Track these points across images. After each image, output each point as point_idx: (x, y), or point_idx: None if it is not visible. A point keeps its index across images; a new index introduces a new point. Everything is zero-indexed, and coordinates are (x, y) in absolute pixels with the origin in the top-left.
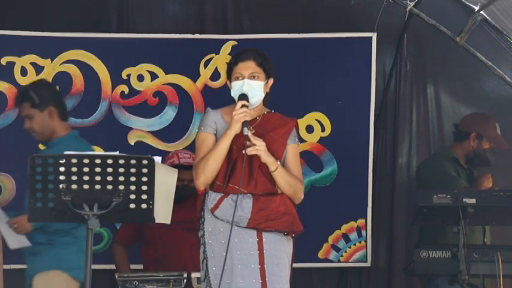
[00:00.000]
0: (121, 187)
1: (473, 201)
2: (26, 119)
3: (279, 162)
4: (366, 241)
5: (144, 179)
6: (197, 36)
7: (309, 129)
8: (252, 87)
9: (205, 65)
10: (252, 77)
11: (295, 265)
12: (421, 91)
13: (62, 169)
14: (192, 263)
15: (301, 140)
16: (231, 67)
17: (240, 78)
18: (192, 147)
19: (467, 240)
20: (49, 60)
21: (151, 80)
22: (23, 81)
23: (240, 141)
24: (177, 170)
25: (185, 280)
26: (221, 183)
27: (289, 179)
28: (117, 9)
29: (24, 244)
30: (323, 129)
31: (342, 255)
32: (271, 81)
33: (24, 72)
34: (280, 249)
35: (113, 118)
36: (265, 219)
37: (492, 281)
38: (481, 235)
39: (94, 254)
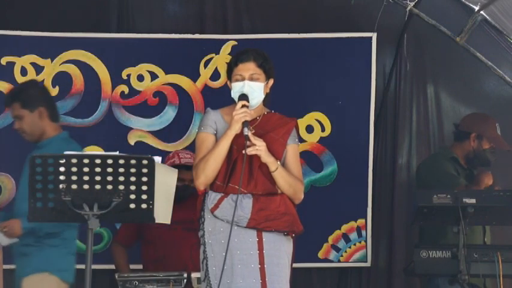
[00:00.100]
0: (121, 187)
1: (473, 201)
2: (16, 120)
3: (279, 162)
4: (366, 241)
5: (144, 179)
6: (197, 36)
7: (309, 129)
8: (252, 88)
9: (205, 65)
10: (252, 78)
11: (295, 265)
12: (421, 91)
13: (62, 169)
14: (192, 263)
15: (301, 140)
16: (231, 68)
17: (240, 79)
18: (192, 147)
19: (468, 240)
20: (49, 60)
21: (151, 80)
22: (23, 81)
23: (240, 141)
24: (177, 170)
25: (185, 280)
26: (221, 183)
27: (289, 179)
28: (117, 9)
29: (14, 240)
30: (323, 129)
31: (342, 255)
32: (271, 81)
33: (24, 72)
34: (280, 249)
35: (113, 118)
36: (265, 219)
37: (492, 281)
38: (481, 235)
39: (94, 254)
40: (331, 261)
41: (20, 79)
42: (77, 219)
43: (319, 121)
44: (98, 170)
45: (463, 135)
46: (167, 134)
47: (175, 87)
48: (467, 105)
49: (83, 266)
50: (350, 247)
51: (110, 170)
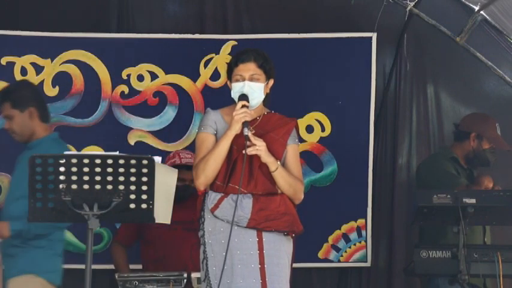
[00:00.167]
0: (121, 187)
1: (473, 201)
2: (6, 120)
3: (279, 162)
4: (366, 241)
5: (144, 179)
6: (197, 36)
7: (309, 129)
8: (253, 88)
9: (205, 65)
10: (253, 78)
11: (295, 265)
12: (421, 91)
13: (62, 169)
14: (192, 263)
15: (301, 140)
16: (231, 68)
17: (241, 79)
18: (192, 147)
19: (468, 240)
20: (49, 60)
21: (151, 80)
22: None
23: (240, 141)
24: (177, 170)
25: (185, 280)
26: (221, 183)
27: (289, 179)
28: (117, 9)
29: None
30: (323, 129)
31: (342, 255)
32: (271, 82)
33: (24, 72)
34: (280, 249)
35: (113, 118)
36: (265, 219)
37: (492, 281)
38: (481, 235)
39: (94, 254)
40: (331, 261)
41: (20, 79)
42: (77, 219)
43: (319, 121)
44: (98, 170)
45: (463, 135)
46: (167, 134)
47: (175, 87)
48: (467, 105)
49: (83, 266)
50: (350, 247)
51: (110, 170)
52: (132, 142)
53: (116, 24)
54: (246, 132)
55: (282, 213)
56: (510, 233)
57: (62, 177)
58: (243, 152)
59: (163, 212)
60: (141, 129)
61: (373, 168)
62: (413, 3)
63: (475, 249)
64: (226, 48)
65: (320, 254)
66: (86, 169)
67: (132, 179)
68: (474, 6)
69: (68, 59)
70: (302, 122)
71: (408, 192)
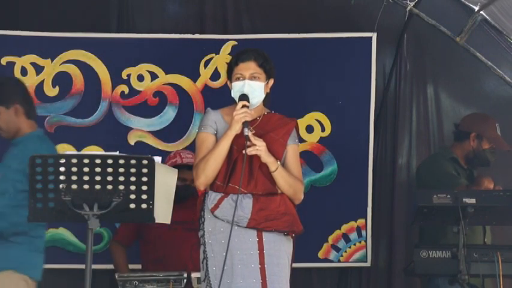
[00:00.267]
0: (121, 187)
1: (473, 201)
2: None
3: (279, 163)
4: (366, 241)
5: (144, 179)
6: (197, 36)
7: (309, 129)
8: (253, 88)
9: (205, 65)
10: (253, 77)
11: (295, 265)
12: (421, 91)
13: (62, 169)
14: (192, 263)
15: (301, 140)
16: (231, 67)
17: (241, 78)
18: (192, 147)
19: (468, 240)
20: (49, 60)
21: (152, 80)
22: (23, 81)
23: (240, 141)
24: (177, 170)
25: (185, 280)
26: (221, 183)
27: (289, 179)
28: (117, 9)
29: None
30: (323, 129)
31: (342, 255)
32: (271, 81)
33: (24, 72)
34: (280, 249)
35: (113, 118)
36: (265, 219)
37: (492, 281)
38: (481, 235)
39: (94, 254)
40: (331, 261)
41: (20, 79)
42: (77, 219)
43: (319, 121)
44: (98, 170)
45: (463, 135)
46: (167, 134)
47: (175, 87)
48: (467, 105)
49: (83, 266)
50: (350, 247)
51: (110, 170)
52: (132, 142)
53: (116, 24)
54: (246, 132)
55: (282, 213)
56: (510, 233)
57: (62, 177)
58: (243, 152)
59: (163, 212)
60: (141, 129)
61: (373, 168)
62: (413, 3)
63: (475, 249)
64: (226, 48)
65: (320, 254)
66: (86, 169)
67: (132, 179)
68: (474, 6)
69: (68, 59)
70: (302, 122)
71: (408, 192)
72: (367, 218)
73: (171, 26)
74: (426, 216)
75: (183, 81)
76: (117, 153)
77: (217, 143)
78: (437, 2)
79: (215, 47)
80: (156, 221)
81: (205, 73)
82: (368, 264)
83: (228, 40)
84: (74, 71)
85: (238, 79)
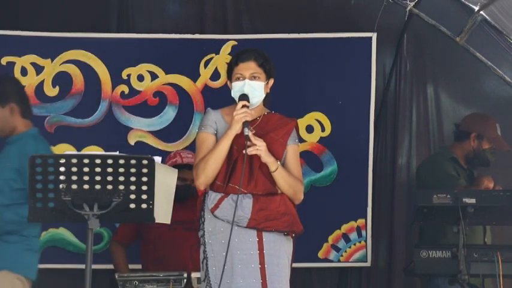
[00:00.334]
0: (121, 187)
1: (473, 201)
2: None
3: (279, 163)
4: (366, 241)
5: (144, 179)
6: (197, 36)
7: (309, 129)
8: (253, 87)
9: (205, 65)
10: (253, 77)
11: (295, 265)
12: (421, 91)
13: (62, 169)
14: (192, 263)
15: (301, 140)
16: (231, 67)
17: (241, 78)
18: (192, 147)
19: (468, 240)
20: (49, 60)
21: (152, 80)
22: (23, 81)
23: (240, 141)
24: (177, 170)
25: (185, 280)
26: (221, 183)
27: (289, 180)
28: (117, 9)
29: None
30: (323, 129)
31: (342, 255)
32: (271, 81)
33: (24, 72)
34: (280, 249)
35: (113, 118)
36: (265, 219)
37: (492, 281)
38: (481, 235)
39: (94, 254)
40: (331, 261)
41: (20, 79)
42: (77, 219)
43: (319, 121)
44: (98, 170)
45: (463, 135)
46: (167, 134)
47: (175, 87)
48: (467, 105)
49: (83, 266)
50: (350, 247)
51: (110, 170)
52: (132, 142)
53: (116, 24)
54: (247, 132)
55: (282, 213)
56: (510, 233)
57: (62, 177)
58: (244, 151)
59: (163, 212)
60: (141, 129)
61: (373, 168)
62: (413, 3)
63: (475, 249)
64: (226, 48)
65: (320, 254)
66: (86, 169)
67: (132, 179)
68: (474, 6)
69: (68, 59)
70: (302, 122)
71: (408, 192)
72: (367, 218)
73: (171, 26)
74: (426, 216)
75: (183, 81)
76: (117, 153)
77: (218, 143)
78: (437, 2)
79: (215, 47)
80: (156, 221)
81: (205, 73)
82: (368, 264)
83: (228, 40)
84: (74, 71)
85: (238, 79)
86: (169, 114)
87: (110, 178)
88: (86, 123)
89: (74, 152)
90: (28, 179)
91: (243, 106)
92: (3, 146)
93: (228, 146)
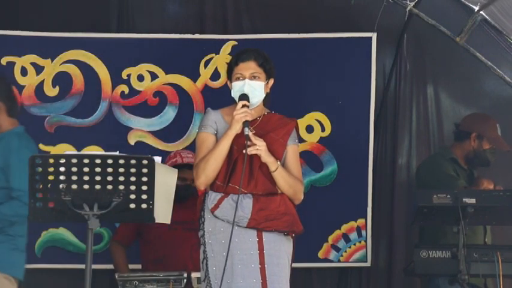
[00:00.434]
0: (121, 187)
1: (473, 201)
2: None
3: (279, 163)
4: (366, 241)
5: (144, 179)
6: (197, 36)
7: (309, 129)
8: (253, 87)
9: (205, 65)
10: (253, 77)
11: (295, 265)
12: (421, 91)
13: (62, 169)
14: (192, 263)
15: (301, 140)
16: (231, 67)
17: (241, 78)
18: (192, 147)
19: (469, 240)
20: (49, 60)
21: (152, 80)
22: (23, 81)
23: (240, 141)
24: (177, 170)
25: (185, 280)
26: (221, 183)
27: (289, 180)
28: (117, 9)
29: None
30: (323, 129)
31: (342, 255)
32: (271, 81)
33: (24, 72)
34: (280, 249)
35: (113, 118)
36: (265, 219)
37: (492, 281)
38: (482, 235)
39: (94, 254)
40: (331, 261)
41: (20, 79)
42: (77, 219)
43: (319, 121)
44: (98, 170)
45: (463, 135)
46: (167, 134)
47: (176, 87)
48: (467, 105)
49: (83, 266)
50: (350, 247)
51: (110, 170)
52: (132, 142)
53: (116, 24)
54: (247, 131)
55: (282, 213)
56: (510, 233)
57: (62, 177)
58: (244, 151)
59: (163, 212)
60: (141, 129)
61: (373, 168)
62: (413, 3)
63: (475, 249)
64: (226, 48)
65: (320, 254)
66: (86, 169)
67: (132, 179)
68: (474, 6)
69: (68, 59)
70: (302, 122)
71: (408, 192)
72: (367, 218)
73: (171, 26)
74: (426, 216)
75: (183, 81)
76: (117, 153)
77: (218, 143)
78: (437, 2)
79: (215, 47)
80: (156, 221)
81: (205, 73)
82: (368, 264)
83: (228, 40)
84: (74, 71)
85: (238, 79)
86: (169, 114)
87: (110, 178)
88: (86, 123)
89: (74, 152)
90: (28, 179)
91: (243, 106)
92: None
93: (228, 146)
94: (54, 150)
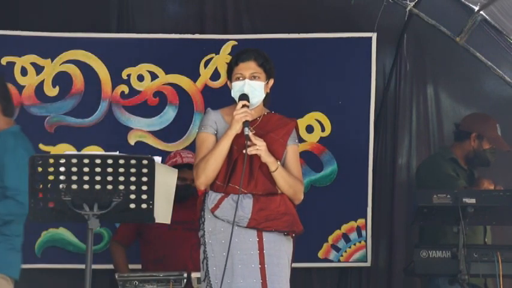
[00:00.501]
0: (121, 187)
1: (473, 201)
2: None
3: (279, 163)
4: (366, 241)
5: (144, 179)
6: (197, 36)
7: (309, 129)
8: (253, 87)
9: (205, 65)
10: (253, 77)
11: (295, 265)
12: (421, 91)
13: (62, 169)
14: (192, 263)
15: (301, 140)
16: (231, 67)
17: (241, 78)
18: (192, 147)
19: (469, 240)
20: (49, 60)
21: (152, 80)
22: (23, 81)
23: (240, 141)
24: (177, 170)
25: (185, 280)
26: (221, 183)
27: (289, 180)
28: (117, 9)
29: None
30: (323, 129)
31: (342, 255)
32: (271, 81)
33: (24, 72)
34: (280, 249)
35: (113, 118)
36: (265, 219)
37: (492, 281)
38: (482, 235)
39: (94, 254)
40: (331, 261)
41: (20, 79)
42: (77, 219)
43: (319, 121)
44: (98, 170)
45: (463, 135)
46: (167, 134)
47: (175, 87)
48: (467, 105)
49: (83, 266)
50: (350, 247)
51: (110, 170)
52: (132, 142)
53: (116, 24)
54: (247, 131)
55: (282, 213)
56: (510, 233)
57: (62, 177)
58: (244, 151)
59: (163, 212)
60: (141, 129)
61: (373, 168)
62: (413, 3)
63: (475, 249)
64: (226, 48)
65: (320, 254)
66: (86, 169)
67: (132, 179)
68: (474, 6)
69: (68, 59)
70: (302, 122)
71: (408, 192)
72: (367, 218)
73: (171, 26)
74: (426, 216)
75: (183, 81)
76: (117, 153)
77: (218, 143)
78: (437, 2)
79: (215, 47)
80: (156, 221)
81: (205, 73)
82: (368, 264)
83: (228, 40)
84: (74, 71)
85: (238, 79)
86: (169, 114)
87: (110, 178)
88: (86, 123)
89: (74, 152)
90: (28, 179)
91: (243, 106)
92: None
93: (228, 146)
94: (54, 150)
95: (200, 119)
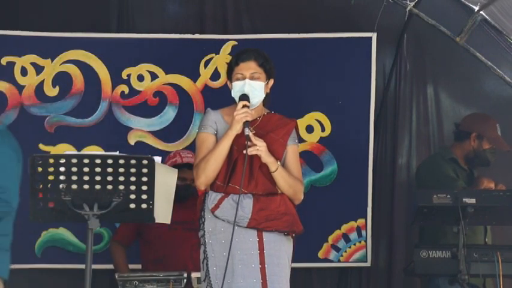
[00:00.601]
0: (121, 187)
1: (473, 201)
2: None
3: (279, 163)
4: (366, 241)
5: (144, 179)
6: (197, 36)
7: (309, 129)
8: (253, 87)
9: (205, 65)
10: (253, 77)
11: (295, 265)
12: (421, 91)
13: (62, 169)
14: (192, 263)
15: (301, 140)
16: (231, 67)
17: (241, 78)
18: (192, 147)
19: (469, 240)
20: (49, 60)
21: (152, 80)
22: (23, 81)
23: (240, 141)
24: (177, 170)
25: (185, 280)
26: (221, 183)
27: (289, 180)
28: (117, 9)
29: None
30: (323, 129)
31: (342, 255)
32: (271, 81)
33: (24, 72)
34: (280, 249)
35: (113, 118)
36: (266, 219)
37: (492, 281)
38: (482, 235)
39: (94, 254)
40: (331, 261)
41: (20, 79)
42: (77, 219)
43: (319, 121)
44: (98, 170)
45: (463, 135)
46: (167, 134)
47: (176, 87)
48: (467, 105)
49: (83, 266)
50: (350, 247)
51: (110, 170)
52: (132, 142)
53: (116, 24)
54: (247, 132)
55: (282, 213)
56: (510, 233)
57: (62, 177)
58: (244, 152)
59: (163, 212)
60: (141, 129)
61: (373, 168)
62: (413, 3)
63: (475, 249)
64: (226, 48)
65: (320, 254)
66: (86, 169)
67: (132, 179)
68: (474, 6)
69: (68, 59)
70: (302, 122)
71: (408, 192)
72: (367, 218)
73: (171, 26)
74: (426, 216)
75: (183, 81)
76: (117, 153)
77: (218, 143)
78: (437, 2)
79: (215, 47)
80: (156, 221)
81: (205, 73)
82: (368, 264)
83: (228, 40)
84: (74, 71)
85: (238, 79)
86: (169, 114)
87: (110, 178)
88: (86, 123)
89: (74, 152)
90: (29, 179)
91: (244, 106)
92: None
93: (229, 146)
94: (54, 150)
95: (200, 119)
